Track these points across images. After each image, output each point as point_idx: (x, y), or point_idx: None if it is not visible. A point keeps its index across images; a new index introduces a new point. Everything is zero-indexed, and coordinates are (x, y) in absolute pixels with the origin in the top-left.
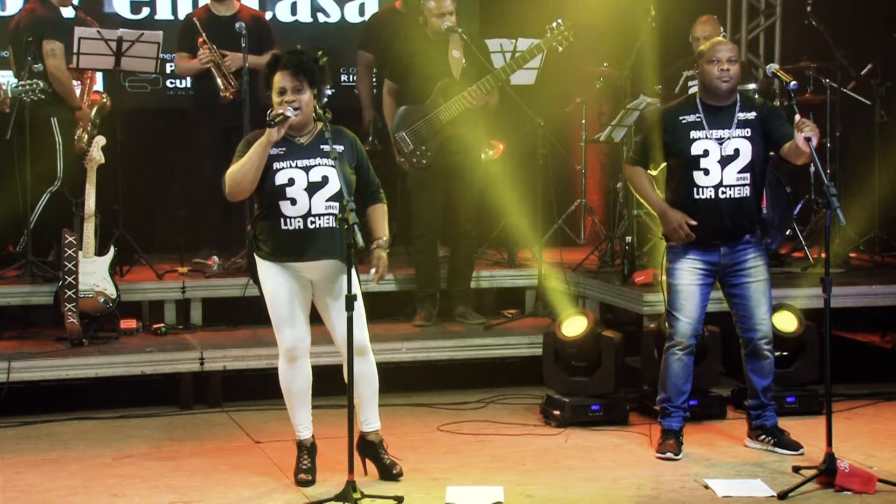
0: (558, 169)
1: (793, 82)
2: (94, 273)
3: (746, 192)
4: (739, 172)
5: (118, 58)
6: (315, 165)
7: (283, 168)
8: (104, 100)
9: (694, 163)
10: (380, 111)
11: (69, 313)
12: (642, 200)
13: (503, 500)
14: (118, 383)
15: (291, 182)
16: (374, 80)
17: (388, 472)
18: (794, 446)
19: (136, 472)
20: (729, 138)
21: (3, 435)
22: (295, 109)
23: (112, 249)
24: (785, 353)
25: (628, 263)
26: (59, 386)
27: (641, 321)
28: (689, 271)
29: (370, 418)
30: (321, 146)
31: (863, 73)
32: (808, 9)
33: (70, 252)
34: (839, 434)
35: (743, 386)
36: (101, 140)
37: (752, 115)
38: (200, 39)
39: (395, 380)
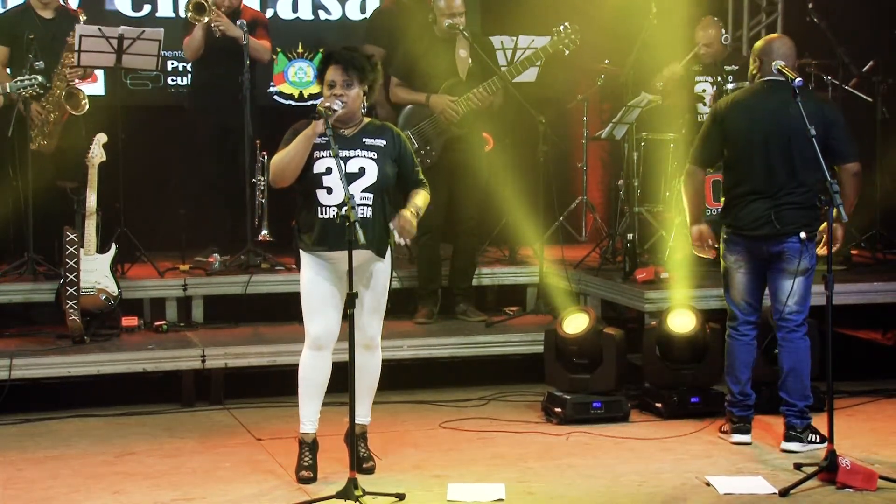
0: (559, 166)
1: (798, 79)
2: (95, 270)
3: None
4: None
5: (119, 55)
6: (353, 157)
7: (323, 157)
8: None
9: None
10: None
11: (70, 311)
12: (845, 209)
13: (504, 498)
14: (120, 381)
15: (329, 171)
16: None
17: (359, 464)
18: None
19: (138, 469)
20: None
21: (4, 432)
22: (342, 103)
23: (113, 247)
24: None
25: (630, 260)
26: (61, 383)
27: (643, 318)
28: None
29: (361, 412)
30: (363, 139)
31: (864, 70)
32: (810, 6)
33: (71, 249)
34: (840, 431)
35: None
36: (102, 137)
37: None
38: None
39: (397, 377)
